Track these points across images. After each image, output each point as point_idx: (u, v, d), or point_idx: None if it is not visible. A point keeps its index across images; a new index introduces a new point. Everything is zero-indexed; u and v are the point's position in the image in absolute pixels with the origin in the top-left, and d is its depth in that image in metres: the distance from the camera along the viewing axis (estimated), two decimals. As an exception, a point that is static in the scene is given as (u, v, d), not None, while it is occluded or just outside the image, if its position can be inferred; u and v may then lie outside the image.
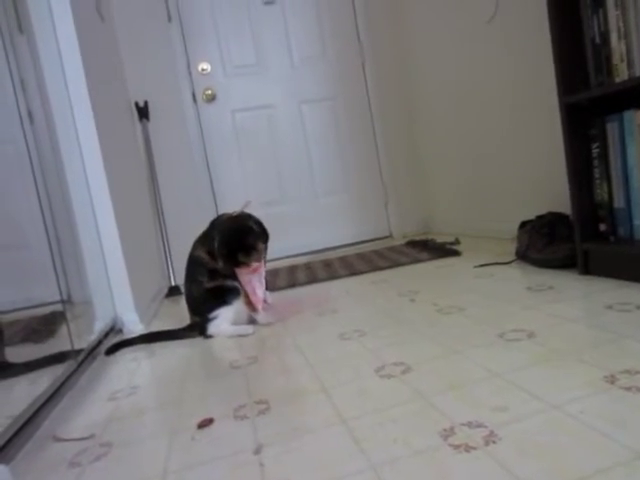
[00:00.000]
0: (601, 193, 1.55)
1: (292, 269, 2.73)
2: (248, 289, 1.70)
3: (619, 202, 1.49)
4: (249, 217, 1.75)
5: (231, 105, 3.23)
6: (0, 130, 1.70)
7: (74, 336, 1.70)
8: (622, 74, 1.40)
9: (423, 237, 3.03)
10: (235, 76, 3.22)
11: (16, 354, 1.50)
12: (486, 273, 1.87)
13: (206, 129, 3.21)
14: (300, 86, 3.30)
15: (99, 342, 1.76)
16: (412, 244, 2.84)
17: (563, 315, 1.27)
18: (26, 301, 1.70)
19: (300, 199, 3.34)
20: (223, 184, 3.24)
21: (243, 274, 1.69)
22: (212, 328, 1.68)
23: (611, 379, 0.88)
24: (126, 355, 1.66)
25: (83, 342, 1.67)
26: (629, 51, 1.37)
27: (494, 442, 0.74)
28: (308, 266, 2.74)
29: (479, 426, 0.80)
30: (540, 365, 1.00)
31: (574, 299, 1.40)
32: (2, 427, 1.04)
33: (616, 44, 1.40)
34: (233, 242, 1.65)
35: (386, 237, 3.43)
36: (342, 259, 2.76)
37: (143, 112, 3.03)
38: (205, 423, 0.98)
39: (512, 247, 2.03)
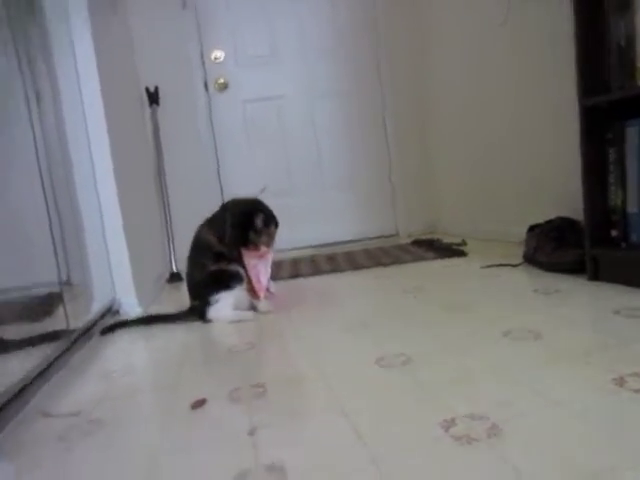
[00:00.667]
0: (615, 198, 1.52)
1: (296, 261, 2.70)
2: (252, 275, 1.68)
3: (633, 208, 1.46)
4: (262, 202, 1.76)
5: (242, 95, 3.21)
6: (6, 109, 1.68)
7: (71, 317, 1.69)
8: (644, 77, 1.37)
9: (429, 237, 3.00)
10: (248, 66, 3.20)
11: (11, 332, 1.49)
12: (492, 274, 1.84)
13: (216, 118, 3.18)
14: (313, 79, 3.27)
15: (95, 322, 1.74)
16: (418, 243, 2.81)
17: (570, 318, 1.24)
18: (24, 282, 1.69)
19: (308, 192, 3.31)
20: (230, 173, 3.22)
21: (250, 258, 1.67)
22: (212, 312, 1.66)
23: (620, 381, 0.85)
24: (123, 336, 1.64)
25: (79, 322, 1.65)
26: (653, 54, 1.34)
27: (496, 435, 0.72)
28: (312, 259, 2.71)
29: (481, 418, 0.77)
30: (546, 365, 0.97)
31: (582, 303, 1.37)
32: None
33: (641, 47, 1.37)
34: (246, 220, 1.65)
35: (392, 235, 3.39)
36: (347, 254, 2.73)
37: (153, 97, 3.01)
38: (198, 404, 0.96)
39: (519, 250, 2.00)
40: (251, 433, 0.82)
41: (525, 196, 2.37)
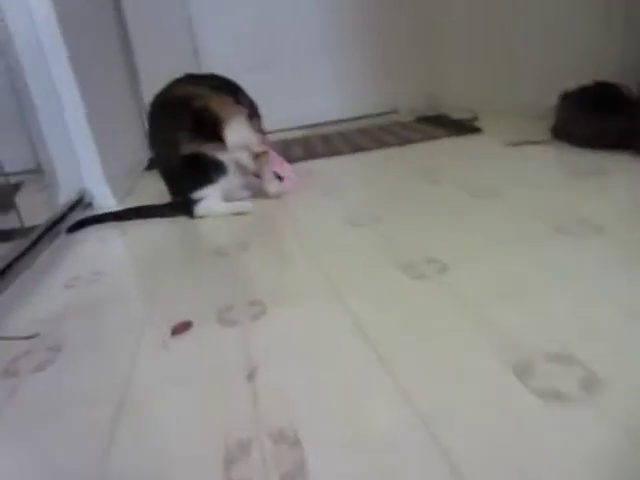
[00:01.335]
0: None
1: (287, 143, 2.41)
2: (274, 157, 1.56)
3: None
4: None
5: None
6: None
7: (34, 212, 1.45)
8: None
9: (435, 113, 2.69)
10: None
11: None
12: (518, 152, 1.58)
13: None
14: None
15: (62, 217, 1.49)
16: (423, 120, 2.50)
17: (631, 205, 1.02)
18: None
19: (293, 63, 2.89)
20: (208, 43, 2.79)
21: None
22: (201, 210, 1.40)
23: None
24: (93, 234, 1.41)
25: (41, 219, 1.41)
26: None
27: (594, 383, 0.52)
28: (305, 140, 2.42)
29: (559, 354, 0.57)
30: (620, 267, 0.76)
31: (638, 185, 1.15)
32: None
33: None
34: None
35: (391, 112, 3.06)
36: (342, 134, 2.44)
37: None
38: (180, 329, 0.75)
39: (543, 125, 1.73)
40: (250, 377, 0.61)
41: (553, 58, 2.03)
